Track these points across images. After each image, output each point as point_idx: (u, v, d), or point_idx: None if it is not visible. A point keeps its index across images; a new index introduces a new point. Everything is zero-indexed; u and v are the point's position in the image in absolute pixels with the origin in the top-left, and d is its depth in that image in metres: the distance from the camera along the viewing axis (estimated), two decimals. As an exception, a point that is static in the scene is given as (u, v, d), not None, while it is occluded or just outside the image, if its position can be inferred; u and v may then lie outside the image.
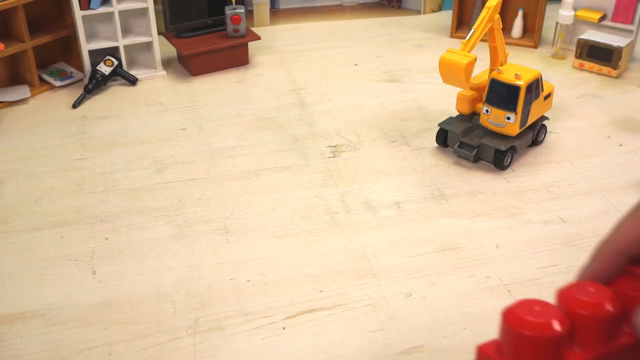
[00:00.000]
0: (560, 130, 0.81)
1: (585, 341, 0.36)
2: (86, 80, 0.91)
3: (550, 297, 0.57)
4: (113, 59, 0.91)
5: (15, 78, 0.92)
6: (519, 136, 0.73)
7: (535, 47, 1.05)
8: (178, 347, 0.51)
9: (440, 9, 1.20)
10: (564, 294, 0.38)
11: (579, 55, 0.96)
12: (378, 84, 0.94)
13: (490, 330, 0.52)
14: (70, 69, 0.94)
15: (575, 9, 0.98)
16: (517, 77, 0.70)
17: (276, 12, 1.16)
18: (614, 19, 0.97)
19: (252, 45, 1.00)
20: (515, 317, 0.35)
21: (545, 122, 0.77)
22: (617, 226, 0.40)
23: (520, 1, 1.05)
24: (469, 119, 0.76)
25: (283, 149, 0.77)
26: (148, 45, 0.95)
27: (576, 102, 0.88)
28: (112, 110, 0.87)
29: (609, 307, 0.36)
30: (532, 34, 1.06)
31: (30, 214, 0.67)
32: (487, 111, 0.72)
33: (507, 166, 0.73)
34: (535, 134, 0.76)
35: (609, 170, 0.73)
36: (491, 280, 0.57)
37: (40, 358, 0.50)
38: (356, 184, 0.71)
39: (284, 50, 1.05)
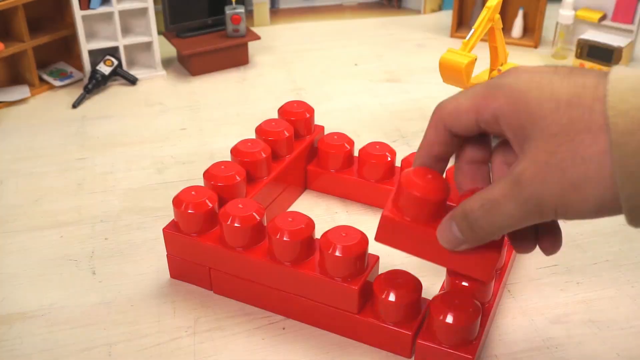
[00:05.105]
0: (560, 130, 0.81)
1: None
2: (86, 80, 0.91)
3: (550, 297, 0.57)
4: (113, 59, 0.91)
5: (15, 78, 0.92)
6: (519, 136, 0.73)
7: (536, 47, 1.05)
8: (178, 347, 0.51)
9: (440, 8, 1.20)
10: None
11: (579, 55, 0.96)
12: (378, 84, 0.94)
13: (492, 329, 0.52)
14: (70, 69, 0.94)
15: (575, 9, 0.98)
16: (517, 77, 0.70)
17: (276, 12, 1.16)
18: (614, 19, 0.97)
19: (252, 45, 1.00)
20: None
21: (545, 122, 0.77)
22: (438, 105, 0.43)
23: (520, 1, 1.05)
24: (469, 119, 0.76)
25: (283, 149, 0.77)
26: (148, 45, 0.95)
27: (576, 102, 0.88)
28: (112, 110, 0.87)
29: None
30: (532, 34, 1.06)
31: (30, 214, 0.67)
32: (487, 111, 0.72)
33: (507, 166, 0.73)
34: (535, 134, 0.76)
35: (609, 170, 0.72)
36: (491, 280, 0.57)
37: (40, 358, 0.50)
38: (356, 184, 0.71)
39: (284, 50, 1.05)
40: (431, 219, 0.44)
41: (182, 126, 0.83)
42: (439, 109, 0.43)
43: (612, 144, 0.34)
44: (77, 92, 0.90)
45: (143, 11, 0.92)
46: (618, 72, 0.36)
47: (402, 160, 0.64)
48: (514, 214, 0.39)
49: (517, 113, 0.38)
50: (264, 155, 0.61)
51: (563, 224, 0.65)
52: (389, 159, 0.64)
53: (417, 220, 0.44)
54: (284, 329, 0.53)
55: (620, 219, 0.36)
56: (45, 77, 0.92)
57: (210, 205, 0.54)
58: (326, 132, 0.70)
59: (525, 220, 0.39)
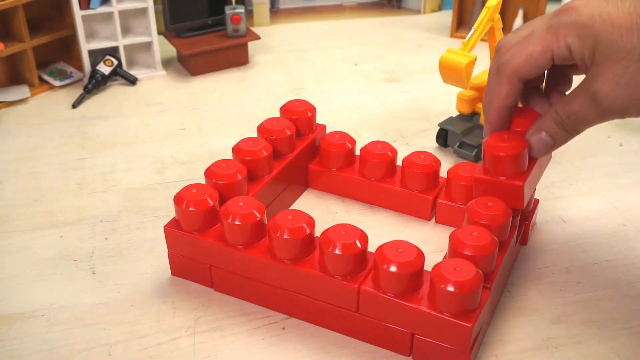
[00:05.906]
0: (560, 130, 0.81)
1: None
2: (86, 80, 0.91)
3: (550, 297, 0.57)
4: (113, 59, 0.91)
5: (15, 78, 0.92)
6: (519, 136, 0.73)
7: (535, 47, 1.05)
8: (178, 347, 0.51)
9: (440, 8, 1.21)
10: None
11: (579, 55, 0.96)
12: (378, 84, 0.94)
13: (492, 329, 0.53)
14: (70, 69, 0.94)
15: (575, 8, 0.98)
16: (517, 77, 0.70)
17: (276, 12, 1.16)
18: (614, 19, 0.97)
19: (252, 45, 1.00)
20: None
21: (545, 122, 0.77)
22: (507, 55, 0.48)
23: (520, 1, 1.05)
24: (469, 119, 0.76)
25: (283, 149, 0.77)
26: (148, 45, 0.95)
27: (576, 102, 0.88)
28: (112, 110, 0.87)
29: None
30: (532, 34, 1.06)
31: (30, 214, 0.67)
32: (487, 111, 0.72)
33: (507, 166, 0.73)
34: (535, 133, 0.76)
35: (609, 170, 0.73)
36: (491, 280, 0.57)
37: (40, 358, 0.50)
38: (356, 184, 0.71)
39: (284, 50, 1.05)
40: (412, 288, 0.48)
41: (182, 126, 0.83)
42: (510, 64, 0.48)
43: None
44: (77, 92, 0.90)
45: (143, 11, 0.92)
46: None
47: (403, 160, 0.64)
48: (596, 120, 0.47)
49: (586, 44, 0.45)
50: (265, 153, 0.61)
51: (563, 224, 0.65)
52: (391, 158, 0.64)
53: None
54: (284, 328, 0.53)
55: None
56: (45, 77, 0.92)
57: (211, 203, 0.54)
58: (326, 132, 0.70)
59: (606, 120, 0.47)
